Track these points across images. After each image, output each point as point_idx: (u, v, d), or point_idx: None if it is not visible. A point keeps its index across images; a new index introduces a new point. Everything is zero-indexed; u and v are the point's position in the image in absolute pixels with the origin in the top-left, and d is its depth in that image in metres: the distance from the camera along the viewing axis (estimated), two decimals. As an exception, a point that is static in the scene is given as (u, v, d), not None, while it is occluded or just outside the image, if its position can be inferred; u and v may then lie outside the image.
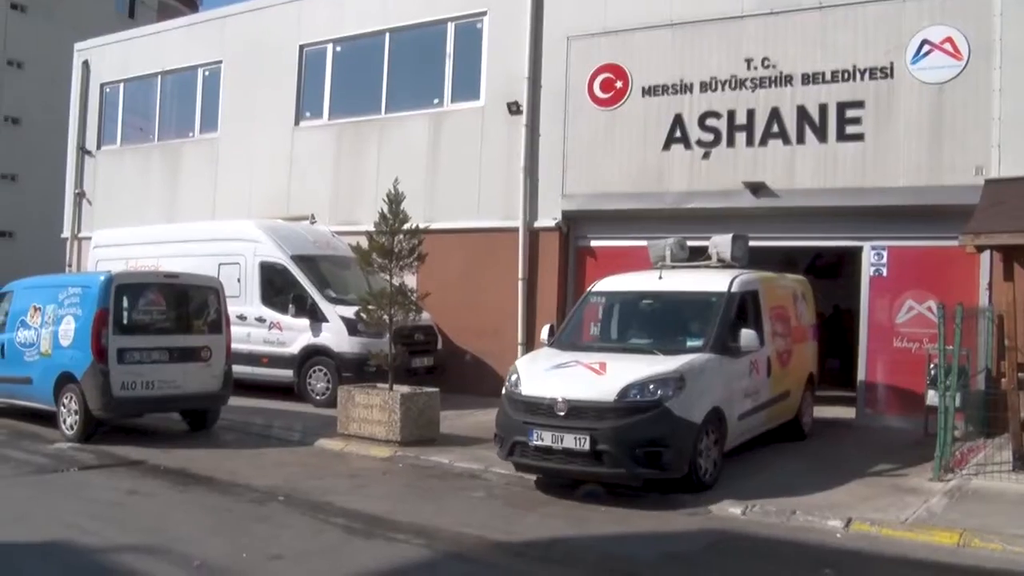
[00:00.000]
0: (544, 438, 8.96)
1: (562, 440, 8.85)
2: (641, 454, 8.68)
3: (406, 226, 12.40)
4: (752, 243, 14.30)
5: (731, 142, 14.87)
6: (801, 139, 14.31)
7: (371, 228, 12.80)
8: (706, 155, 15.06)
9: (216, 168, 21.28)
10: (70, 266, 23.97)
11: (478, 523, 8.13)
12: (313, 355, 15.41)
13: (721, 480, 9.53)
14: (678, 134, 15.32)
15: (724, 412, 9.54)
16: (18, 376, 13.25)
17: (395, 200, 12.35)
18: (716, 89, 15.00)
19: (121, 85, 24.11)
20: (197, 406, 13.14)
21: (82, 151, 24.52)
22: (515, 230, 16.63)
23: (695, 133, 15.16)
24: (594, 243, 16.40)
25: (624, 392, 8.89)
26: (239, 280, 16.19)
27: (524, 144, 16.72)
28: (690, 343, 9.99)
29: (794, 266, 16.29)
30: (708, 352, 9.66)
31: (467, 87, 17.76)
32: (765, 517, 8.43)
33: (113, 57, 24.20)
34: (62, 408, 12.34)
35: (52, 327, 12.61)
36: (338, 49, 19.65)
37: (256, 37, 20.84)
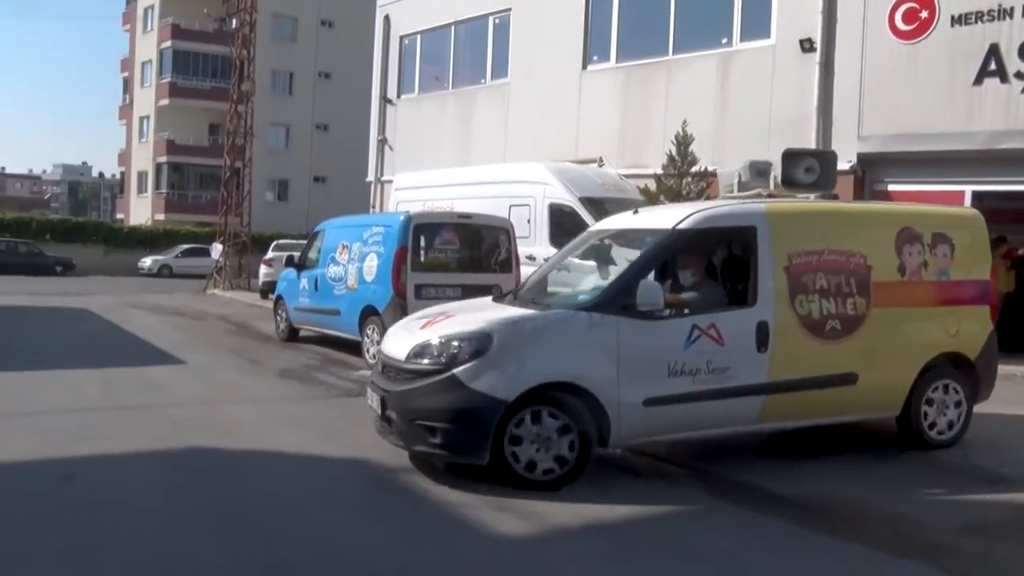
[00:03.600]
0: (368, 397, 8.01)
1: (371, 400, 7.81)
2: (419, 428, 7.12)
3: (694, 168, 12.28)
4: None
5: (1056, 74, 13.43)
6: None
7: (659, 171, 12.78)
8: (1025, 90, 13.72)
9: (507, 113, 21.94)
10: (374, 207, 25.66)
11: (758, 471, 7.96)
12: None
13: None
14: (992, 67, 14.03)
15: (596, 393, 7.12)
16: (328, 308, 14.47)
17: (683, 142, 12.27)
18: (1040, 14, 13.57)
19: (418, 36, 25.32)
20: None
21: (384, 100, 26.06)
22: (806, 173, 15.96)
23: (1013, 65, 13.81)
24: (892, 187, 15.43)
25: (418, 351, 7.30)
26: (529, 221, 16.63)
27: (817, 83, 15.95)
28: (583, 297, 7.81)
29: None
30: (587, 309, 7.35)
31: (756, 25, 17.15)
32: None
33: (411, 10, 25.41)
34: (365, 339, 13.31)
35: (357, 263, 13.61)
36: (625, -9, 19.58)
37: (545, -17, 21.15)
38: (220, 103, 44.21)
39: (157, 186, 58.51)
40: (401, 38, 25.73)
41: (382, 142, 25.99)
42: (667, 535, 6.21)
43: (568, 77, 20.45)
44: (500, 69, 22.60)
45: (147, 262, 43.14)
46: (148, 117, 59.70)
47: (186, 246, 43.96)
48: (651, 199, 12.58)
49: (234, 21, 33.52)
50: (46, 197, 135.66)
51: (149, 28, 59.68)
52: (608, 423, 7.17)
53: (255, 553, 5.65)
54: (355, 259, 13.75)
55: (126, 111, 65.09)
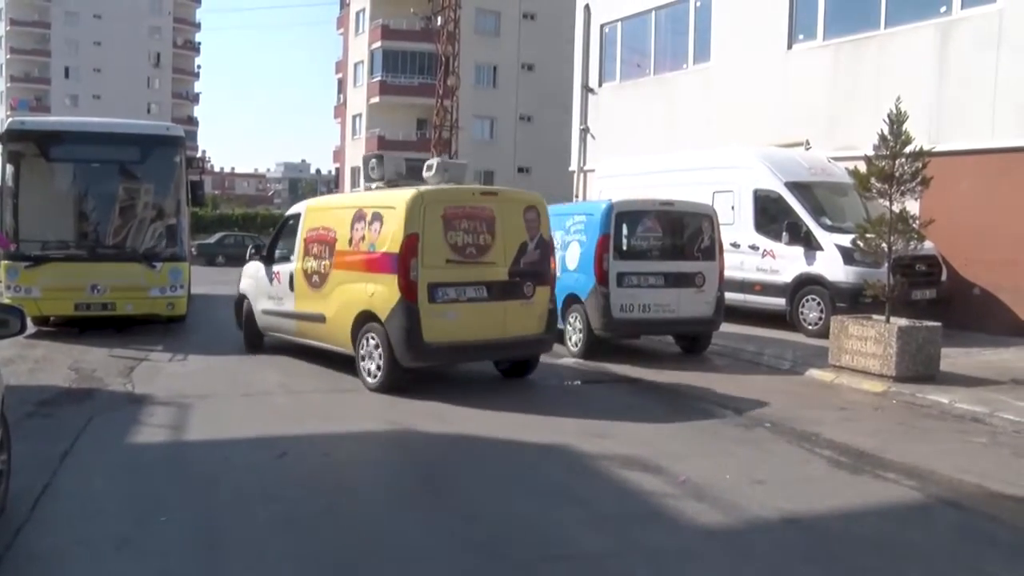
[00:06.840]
0: None
1: None
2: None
3: (908, 148, 11.57)
4: None
5: None
6: None
7: (869, 152, 12.13)
8: None
9: (710, 97, 21.49)
10: (577, 196, 25.79)
11: (978, 470, 7.46)
12: (806, 284, 15.13)
13: None
14: None
15: (251, 303, 13.43)
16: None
17: (897, 120, 11.56)
18: None
19: (618, 24, 25.18)
20: (689, 331, 13.61)
21: (586, 90, 26.10)
22: (1037, 149, 14.78)
23: None
24: None
25: None
26: (732, 208, 16.30)
27: (1051, 50, 14.71)
28: None
29: None
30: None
31: (982, -11, 16.00)
32: None
33: (611, -1, 25.35)
34: (568, 327, 13.41)
35: (561, 252, 13.67)
36: (834, -36, 18.72)
37: (748, -38, 20.54)
38: (427, 98, 45.73)
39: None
40: (602, 27, 25.68)
41: (584, 131, 26.05)
42: (874, 534, 5.94)
43: (773, 58, 19.82)
44: (702, 53, 22.15)
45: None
46: (360, 115, 62.32)
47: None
48: (861, 182, 11.94)
49: (439, 19, 34.52)
50: (270, 194, 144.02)
51: (361, 31, 62.22)
52: (253, 317, 13.34)
53: (456, 530, 5.84)
54: (558, 247, 13.81)
55: (340, 110, 68.26)
